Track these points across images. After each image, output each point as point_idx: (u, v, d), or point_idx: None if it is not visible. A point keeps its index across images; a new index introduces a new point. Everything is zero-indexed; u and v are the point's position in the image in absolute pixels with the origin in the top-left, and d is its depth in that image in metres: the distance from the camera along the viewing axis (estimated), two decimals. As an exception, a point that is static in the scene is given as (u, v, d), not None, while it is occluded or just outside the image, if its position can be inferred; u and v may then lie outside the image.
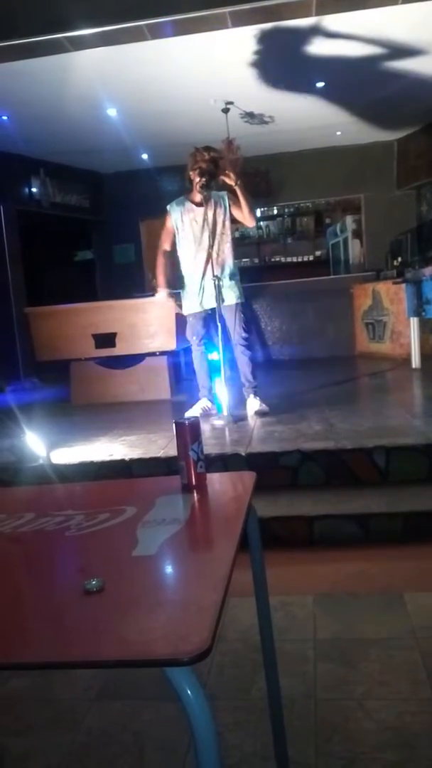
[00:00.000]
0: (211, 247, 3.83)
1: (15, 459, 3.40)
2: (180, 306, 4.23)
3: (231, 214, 3.95)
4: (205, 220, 3.83)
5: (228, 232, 3.96)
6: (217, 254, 3.90)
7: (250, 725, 1.64)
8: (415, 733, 1.56)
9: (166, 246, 4.07)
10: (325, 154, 7.99)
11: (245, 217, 3.95)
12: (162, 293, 4.25)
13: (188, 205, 3.94)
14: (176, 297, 4.29)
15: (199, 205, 3.88)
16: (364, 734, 1.56)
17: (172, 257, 4.10)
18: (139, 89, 5.61)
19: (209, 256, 3.83)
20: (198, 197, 3.87)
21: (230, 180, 3.79)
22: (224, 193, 3.94)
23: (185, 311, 4.10)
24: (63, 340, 5.28)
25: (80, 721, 1.73)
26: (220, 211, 3.91)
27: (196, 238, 3.92)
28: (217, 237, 3.91)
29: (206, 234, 3.83)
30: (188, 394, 5.00)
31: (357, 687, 1.76)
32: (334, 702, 1.71)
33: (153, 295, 6.35)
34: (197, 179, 3.78)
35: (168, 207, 4.03)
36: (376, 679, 1.78)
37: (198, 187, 3.79)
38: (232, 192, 3.90)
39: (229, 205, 3.93)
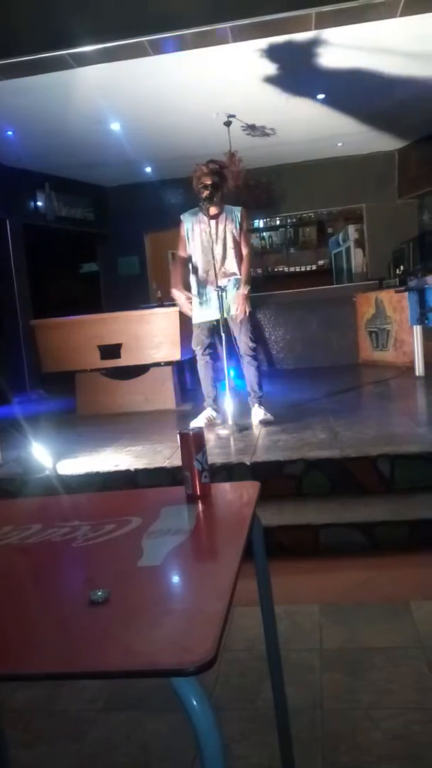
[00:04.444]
0: (219, 260, 3.85)
1: (21, 470, 3.41)
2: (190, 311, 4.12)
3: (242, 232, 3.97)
4: (215, 233, 3.86)
5: (239, 247, 3.97)
6: (227, 267, 3.92)
7: (257, 735, 1.64)
8: (421, 742, 1.55)
9: (180, 252, 4.08)
10: (326, 164, 8.05)
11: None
12: (178, 294, 4.03)
13: (201, 216, 3.94)
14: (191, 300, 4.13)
15: (211, 218, 3.89)
16: (370, 744, 1.56)
17: (187, 263, 4.11)
18: (142, 104, 5.68)
19: (216, 268, 3.85)
20: (211, 210, 3.89)
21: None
22: (238, 209, 3.96)
23: (193, 320, 4.12)
24: (68, 352, 5.32)
25: (86, 732, 1.74)
26: (231, 226, 3.93)
27: (204, 249, 3.93)
28: (227, 251, 3.93)
29: (215, 246, 3.85)
30: (193, 403, 5.02)
31: (363, 696, 1.76)
32: (341, 711, 1.70)
33: (158, 306, 6.40)
34: (201, 194, 3.80)
35: (181, 216, 4.05)
36: (383, 688, 1.78)
37: (202, 199, 3.81)
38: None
39: (242, 223, 3.94)
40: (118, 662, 0.72)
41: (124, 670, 0.72)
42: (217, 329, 3.95)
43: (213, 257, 3.84)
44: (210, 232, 3.86)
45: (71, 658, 0.75)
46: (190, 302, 4.01)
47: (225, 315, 3.88)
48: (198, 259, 3.98)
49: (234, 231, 3.94)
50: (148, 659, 0.71)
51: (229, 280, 3.94)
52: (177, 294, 4.04)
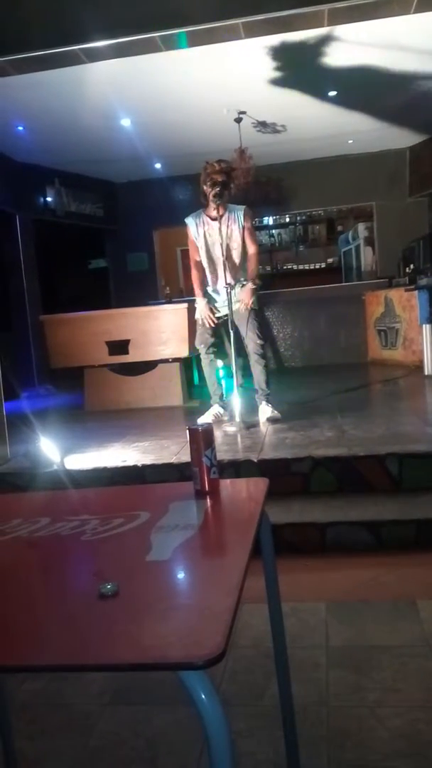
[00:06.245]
0: (225, 259, 3.85)
1: (30, 465, 3.43)
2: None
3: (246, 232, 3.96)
4: (220, 233, 3.85)
5: (244, 245, 3.97)
6: (232, 267, 3.92)
7: (263, 732, 1.64)
8: (427, 740, 1.55)
9: (195, 256, 4.06)
10: (337, 162, 8.02)
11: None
12: (200, 302, 4.02)
13: (204, 218, 3.95)
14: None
15: (214, 219, 3.89)
16: (376, 742, 1.56)
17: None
18: (153, 100, 5.67)
19: (222, 267, 3.85)
20: (213, 212, 3.87)
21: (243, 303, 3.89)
22: (241, 208, 3.95)
23: (197, 317, 4.12)
24: (77, 347, 5.33)
25: (93, 725, 1.75)
26: (235, 226, 3.93)
27: (210, 249, 3.95)
28: (232, 251, 3.93)
29: (220, 246, 3.85)
30: (200, 400, 5.02)
31: (369, 694, 1.75)
32: (347, 709, 1.70)
33: (166, 302, 6.42)
34: (210, 190, 3.80)
35: (186, 220, 4.04)
36: (389, 687, 1.78)
37: (211, 197, 3.81)
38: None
39: (245, 221, 3.93)
40: (127, 655, 0.73)
41: (132, 663, 0.72)
42: (225, 327, 3.95)
43: (223, 255, 3.84)
44: (214, 232, 3.88)
45: (80, 650, 0.75)
46: (212, 313, 3.99)
47: (233, 312, 3.87)
48: (203, 259, 3.99)
49: (238, 230, 3.94)
50: (157, 652, 0.71)
51: (235, 279, 3.93)
52: (201, 304, 4.02)
